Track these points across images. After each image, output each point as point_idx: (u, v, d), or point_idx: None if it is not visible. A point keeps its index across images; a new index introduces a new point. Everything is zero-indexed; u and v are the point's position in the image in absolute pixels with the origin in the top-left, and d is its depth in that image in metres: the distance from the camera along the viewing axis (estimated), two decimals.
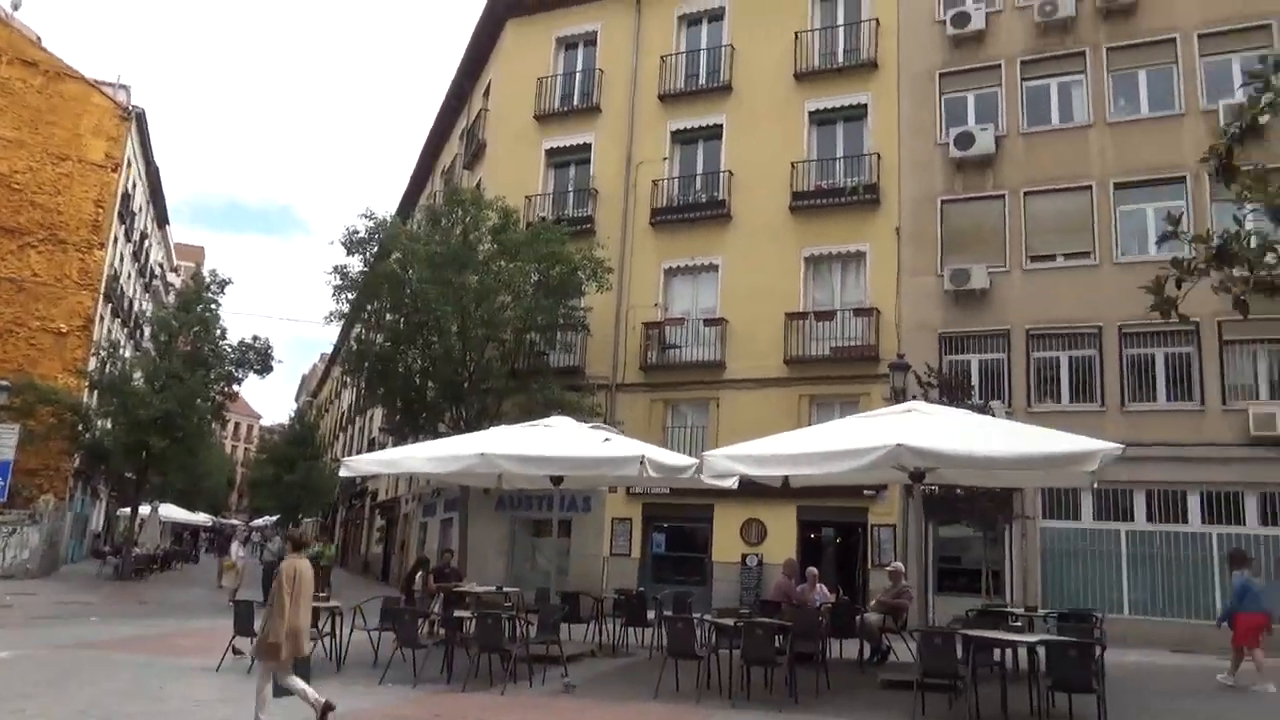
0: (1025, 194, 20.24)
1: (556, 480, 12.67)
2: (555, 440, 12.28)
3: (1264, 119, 10.00)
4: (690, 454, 14.52)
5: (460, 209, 22.10)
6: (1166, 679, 12.71)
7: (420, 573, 16.13)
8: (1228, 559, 13.13)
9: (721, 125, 23.77)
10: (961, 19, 21.29)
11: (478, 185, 25.81)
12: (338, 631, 11.87)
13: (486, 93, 28.60)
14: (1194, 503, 17.75)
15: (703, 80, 24.45)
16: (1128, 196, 19.44)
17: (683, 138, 24.39)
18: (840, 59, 22.95)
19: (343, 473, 13.07)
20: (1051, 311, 19.32)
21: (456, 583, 15.28)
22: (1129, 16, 20.14)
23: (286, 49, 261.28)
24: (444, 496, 26.26)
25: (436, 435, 20.54)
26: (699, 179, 23.96)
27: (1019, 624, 11.66)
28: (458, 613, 12.13)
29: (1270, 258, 8.77)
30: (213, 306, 29.57)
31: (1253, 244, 8.93)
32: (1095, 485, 16.05)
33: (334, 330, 36.35)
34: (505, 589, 15.24)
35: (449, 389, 21.48)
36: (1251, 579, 12.21)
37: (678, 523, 22.24)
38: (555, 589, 14.18)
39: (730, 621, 10.82)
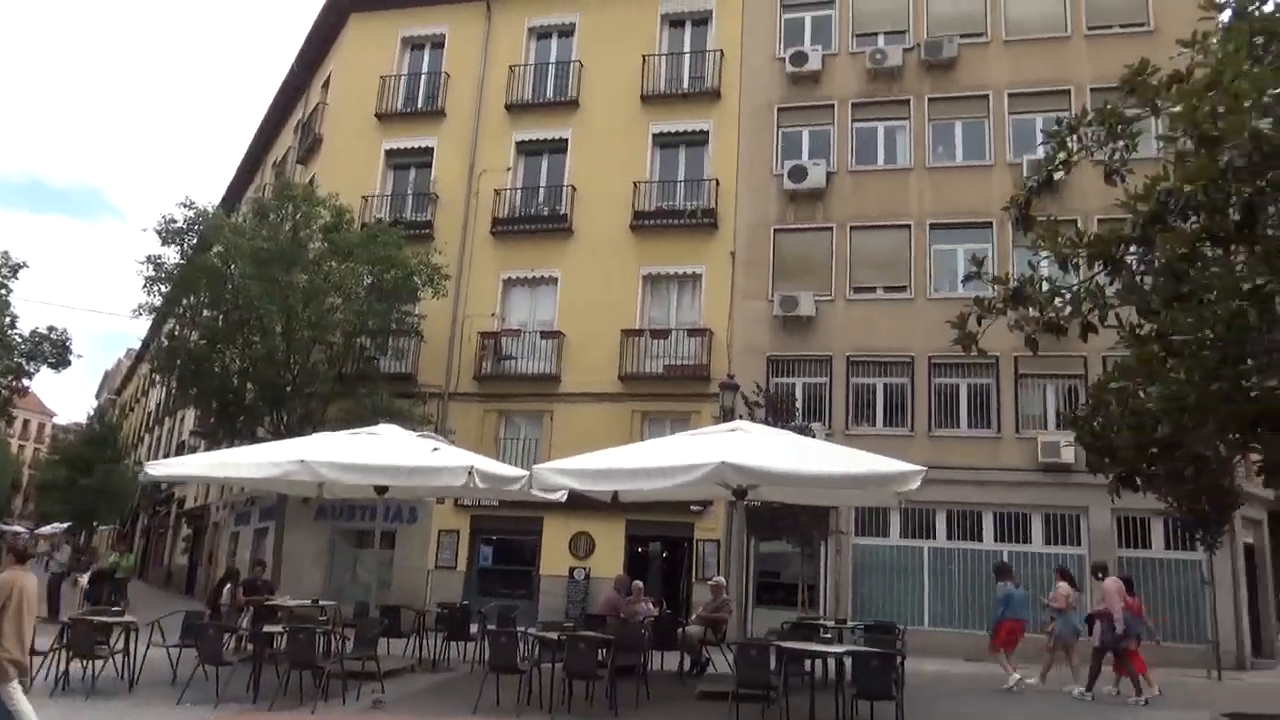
0: (851, 228, 21.43)
1: (381, 490, 12.30)
2: (381, 448, 11.92)
3: (1058, 175, 11.03)
4: (523, 466, 14.45)
5: (291, 204, 21.15)
6: (958, 686, 13.66)
7: (229, 585, 15.27)
8: (994, 571, 14.47)
9: (567, 140, 23.90)
10: (800, 58, 22.36)
11: (311, 181, 24.79)
12: (132, 649, 11.03)
13: (326, 86, 27.58)
14: (988, 522, 19.26)
15: (550, 93, 24.53)
16: (942, 237, 20.92)
17: (528, 149, 24.36)
18: (685, 85, 23.58)
19: (144, 477, 12.20)
20: (870, 340, 20.51)
21: (268, 596, 14.53)
22: (949, 71, 21.74)
23: (107, 21, 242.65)
24: (259, 504, 24.93)
25: (254, 440, 19.50)
26: (542, 191, 23.97)
27: (829, 636, 12.24)
28: (267, 628, 11.53)
29: (1058, 301, 9.67)
30: (0, 291, 26.90)
31: (1044, 288, 9.84)
32: (902, 504, 17.13)
33: (144, 324, 33.74)
34: (321, 602, 14.62)
35: (270, 392, 20.45)
36: (1014, 589, 13.58)
37: (506, 535, 22.02)
38: (375, 602, 13.70)
39: (554, 635, 10.80)
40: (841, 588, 19.34)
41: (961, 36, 21.75)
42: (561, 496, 12.38)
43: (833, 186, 21.71)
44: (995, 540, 19.11)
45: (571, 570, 20.61)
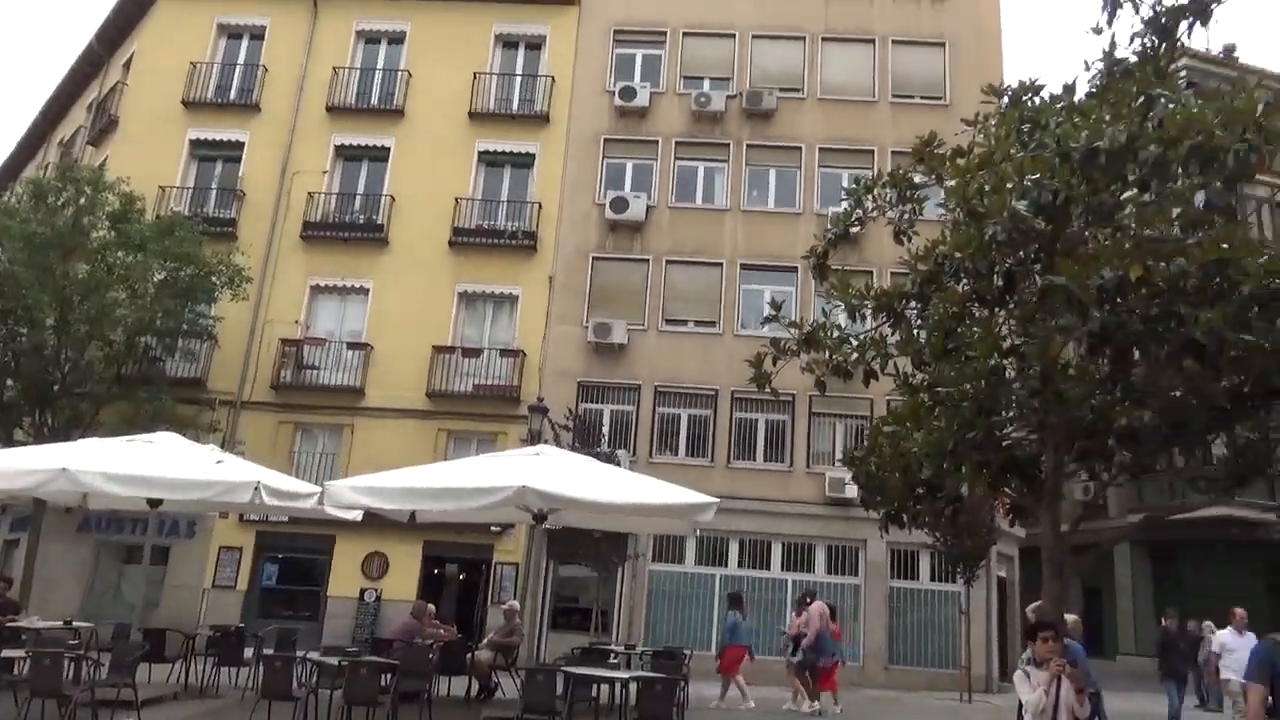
0: (667, 261, 22.06)
1: (154, 503, 11.43)
2: (158, 459, 11.09)
3: (854, 230, 11.82)
4: (319, 481, 13.86)
5: (74, 187, 19.42)
6: (733, 708, 14.17)
7: None
8: (726, 600, 15.29)
9: (389, 148, 23.30)
10: (628, 93, 22.90)
11: (102, 165, 22.86)
12: None
13: (127, 65, 25.58)
14: (777, 551, 20.21)
15: (375, 100, 23.86)
16: (751, 277, 21.90)
17: (347, 154, 23.56)
18: (515, 107, 23.59)
19: None
20: (678, 372, 21.13)
21: (13, 616, 13.11)
22: (767, 121, 22.90)
23: None
24: (11, 514, 22.49)
25: (11, 442, 17.67)
26: (359, 199, 23.21)
27: (616, 661, 12.43)
28: (8, 652, 10.42)
29: (846, 347, 10.36)
30: None
31: (834, 335, 10.51)
32: (697, 533, 17.70)
33: None
34: (75, 624, 13.37)
35: (35, 389, 18.57)
36: (740, 619, 14.52)
37: (294, 554, 20.91)
38: (139, 624, 12.66)
39: (334, 660, 10.38)
40: (635, 613, 19.67)
41: (781, 90, 22.99)
42: (357, 515, 11.99)
43: (652, 220, 22.30)
44: (782, 569, 20.07)
45: (363, 592, 19.85)
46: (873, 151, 22.08)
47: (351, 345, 21.70)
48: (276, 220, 22.68)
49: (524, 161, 23.21)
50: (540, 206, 22.50)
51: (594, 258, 22.22)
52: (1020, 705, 6.86)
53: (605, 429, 20.46)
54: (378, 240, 22.49)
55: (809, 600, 14.39)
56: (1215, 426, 8.40)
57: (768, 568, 20.11)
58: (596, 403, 21.22)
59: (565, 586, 20.39)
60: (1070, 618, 9.41)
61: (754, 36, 23.63)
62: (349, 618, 19.54)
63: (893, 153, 21.00)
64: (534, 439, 16.88)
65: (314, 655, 10.92)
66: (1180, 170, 7.50)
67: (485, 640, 14.23)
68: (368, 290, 22.27)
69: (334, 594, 20.14)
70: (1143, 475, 10.03)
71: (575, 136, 23.08)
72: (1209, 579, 22.43)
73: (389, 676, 10.13)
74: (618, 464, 17.38)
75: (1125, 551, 26.12)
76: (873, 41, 23.41)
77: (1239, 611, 12.61)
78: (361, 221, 22.83)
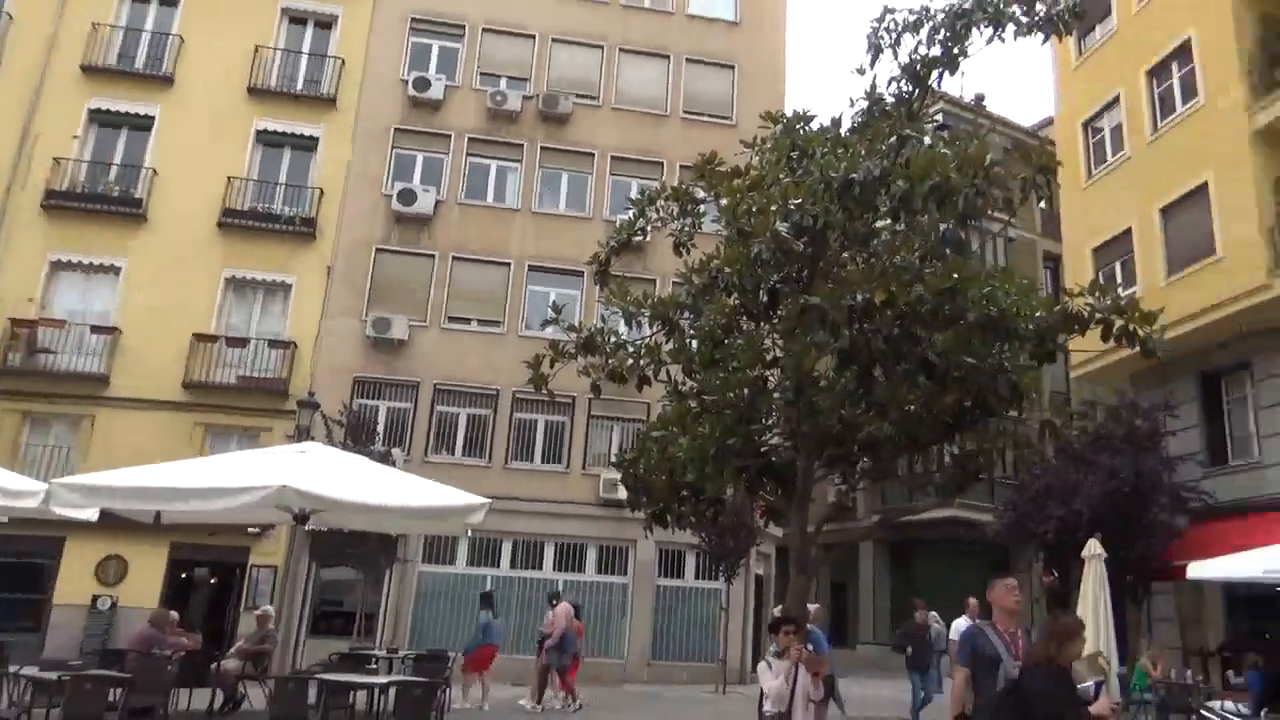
0: (454, 258, 21.69)
1: None
2: None
3: (636, 239, 12.13)
4: (50, 477, 12.51)
5: None
6: (500, 711, 14.12)
7: None
8: (479, 600, 15.23)
9: (154, 118, 21.43)
10: (422, 84, 22.32)
11: None
12: None
13: None
14: (550, 552, 20.37)
15: (141, 64, 21.87)
16: (538, 279, 21.94)
17: (104, 119, 21.43)
18: (300, 86, 22.38)
19: None
20: (459, 371, 20.82)
21: None
22: (563, 125, 23.05)
23: None
24: None
25: None
26: (116, 169, 21.18)
27: (374, 667, 12.05)
28: None
29: (623, 353, 10.61)
30: None
31: (612, 340, 10.74)
32: (470, 534, 17.51)
33: None
34: None
35: None
36: (492, 618, 14.54)
37: (13, 558, 18.60)
38: None
39: (53, 675, 9.38)
40: (402, 616, 19.15)
41: (578, 96, 23.21)
42: (92, 515, 10.91)
43: (440, 215, 21.85)
44: (554, 569, 20.24)
45: (95, 599, 18.03)
46: (662, 164, 22.74)
47: (97, 329, 19.71)
48: (13, 185, 20.27)
49: (306, 145, 22.06)
50: (322, 193, 21.46)
51: (377, 250, 21.47)
52: (761, 694, 7.31)
53: (380, 427, 19.79)
54: (134, 216, 20.61)
55: (555, 601, 14.56)
56: (943, 437, 9.30)
57: (540, 568, 20.21)
58: (373, 399, 20.51)
59: (329, 590, 19.53)
60: (813, 607, 10.09)
61: (554, 40, 23.73)
62: (77, 628, 17.69)
63: (681, 166, 21.67)
64: (302, 435, 16.06)
65: (29, 670, 9.82)
66: (922, 205, 8.26)
67: (234, 648, 13.35)
68: (119, 270, 20.35)
69: (60, 602, 18.16)
70: (882, 480, 10.95)
71: (364, 123, 22.22)
72: (939, 574, 24.73)
73: (119, 691, 9.29)
74: (392, 463, 16.90)
75: (870, 550, 28.35)
76: (668, 58, 24.14)
77: (972, 602, 13.55)
78: (116, 194, 20.83)
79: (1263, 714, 11.63)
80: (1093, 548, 13.09)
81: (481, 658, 14.15)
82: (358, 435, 18.16)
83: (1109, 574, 13.06)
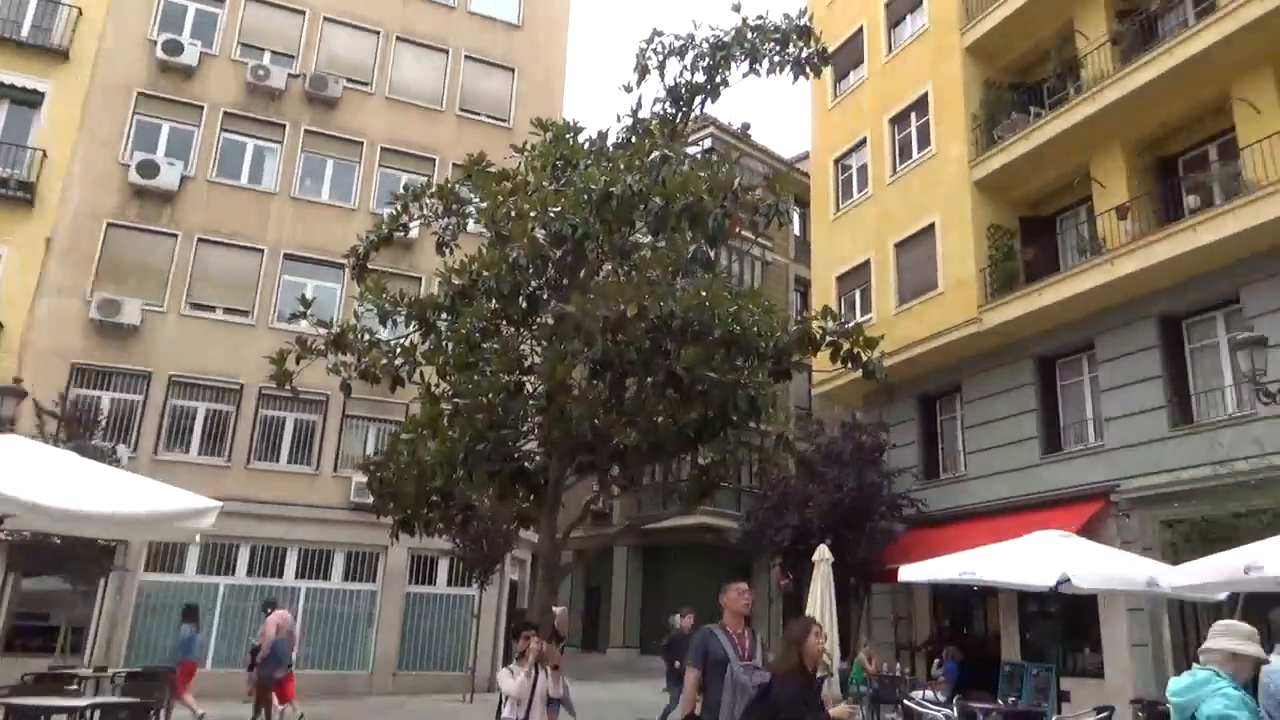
0: (199, 240, 20.04)
1: None
2: None
3: (398, 235, 11.79)
4: None
5: None
6: None
7: None
8: (181, 612, 13.97)
9: None
10: (174, 47, 20.51)
11: None
12: None
13: None
14: (292, 558, 19.23)
15: None
16: (295, 269, 20.73)
17: None
18: (25, 33, 19.86)
19: None
20: (200, 362, 19.26)
21: None
22: (330, 109, 21.93)
23: None
24: None
25: None
26: None
27: (76, 688, 10.86)
28: None
29: (376, 352, 10.25)
30: None
31: (365, 338, 10.36)
32: (201, 540, 16.17)
33: None
34: None
35: None
36: (195, 632, 13.59)
37: None
38: None
39: None
40: (118, 630, 17.36)
41: (349, 81, 22.19)
42: None
43: (186, 191, 20.13)
44: (297, 577, 19.13)
45: None
46: (435, 160, 22.21)
47: None
48: None
49: (29, 100, 19.59)
50: (45, 155, 19.15)
51: (109, 224, 19.42)
52: (500, 700, 7.30)
53: (104, 420, 17.89)
54: None
55: (269, 609, 13.53)
56: (687, 448, 9.71)
57: (281, 575, 19.03)
58: (95, 389, 18.52)
59: (30, 602, 17.29)
60: (558, 609, 10.19)
61: (326, 19, 22.57)
62: None
63: (454, 165, 21.14)
64: (2, 427, 14.22)
65: None
66: (675, 223, 8.61)
67: None
68: None
69: None
70: (631, 488, 11.27)
71: (101, 83, 20.06)
72: (688, 578, 25.74)
73: None
74: (116, 461, 15.35)
75: (623, 555, 29.08)
76: (447, 52, 23.66)
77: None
78: None
79: (954, 700, 12.97)
80: (822, 552, 14.15)
81: (183, 674, 13.11)
82: (76, 429, 16.33)
83: (835, 576, 14.15)
